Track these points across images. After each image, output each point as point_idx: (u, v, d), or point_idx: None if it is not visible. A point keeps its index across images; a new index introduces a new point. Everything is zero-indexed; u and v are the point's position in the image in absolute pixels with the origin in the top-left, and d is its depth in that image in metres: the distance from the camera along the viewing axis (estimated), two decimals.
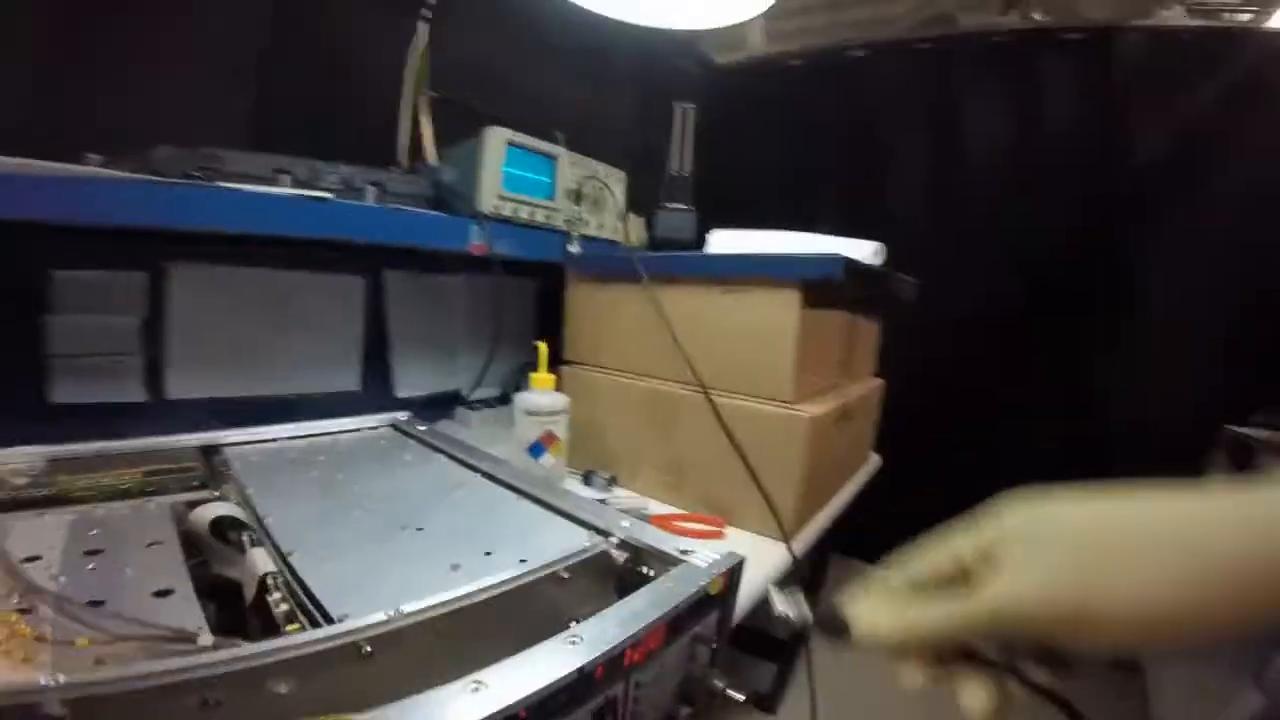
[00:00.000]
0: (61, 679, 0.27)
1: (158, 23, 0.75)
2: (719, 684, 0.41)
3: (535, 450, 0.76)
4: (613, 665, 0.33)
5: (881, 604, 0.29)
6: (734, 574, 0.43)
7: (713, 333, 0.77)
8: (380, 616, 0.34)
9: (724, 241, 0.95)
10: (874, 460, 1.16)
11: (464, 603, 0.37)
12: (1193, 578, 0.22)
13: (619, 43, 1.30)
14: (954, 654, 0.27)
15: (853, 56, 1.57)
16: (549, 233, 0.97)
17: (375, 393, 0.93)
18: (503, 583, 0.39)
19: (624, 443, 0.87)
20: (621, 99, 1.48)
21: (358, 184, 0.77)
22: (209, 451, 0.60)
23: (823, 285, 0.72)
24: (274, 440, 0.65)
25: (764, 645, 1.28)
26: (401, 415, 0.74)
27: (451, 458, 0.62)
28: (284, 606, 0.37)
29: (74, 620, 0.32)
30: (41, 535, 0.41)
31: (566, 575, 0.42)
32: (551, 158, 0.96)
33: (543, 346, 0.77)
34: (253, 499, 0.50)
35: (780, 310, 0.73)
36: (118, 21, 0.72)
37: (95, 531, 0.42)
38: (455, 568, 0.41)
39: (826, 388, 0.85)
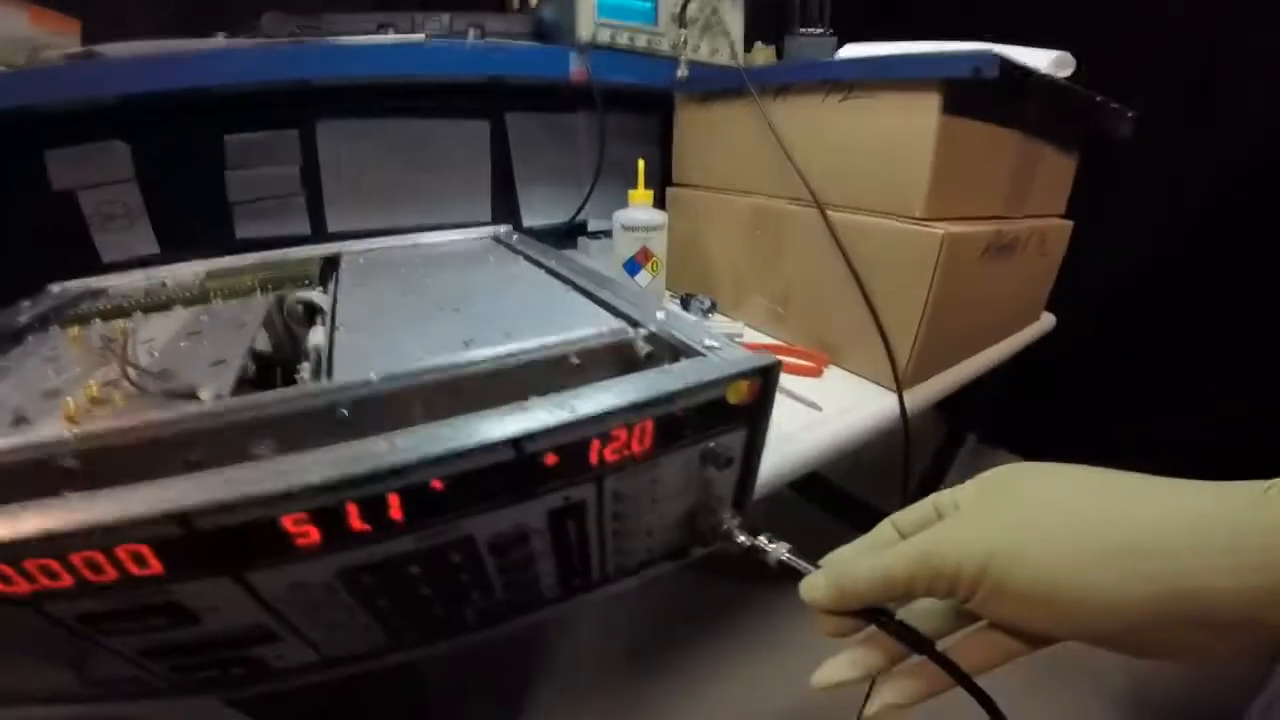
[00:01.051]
0: (75, 432, 0.27)
1: None
2: (729, 521, 0.32)
3: (631, 267, 0.70)
4: (572, 456, 0.27)
5: (857, 552, 0.27)
6: (765, 381, 0.31)
7: (832, 147, 0.60)
8: (360, 379, 0.31)
9: (857, 54, 0.72)
10: (1046, 321, 0.89)
11: (453, 373, 0.32)
12: (1088, 560, 0.20)
13: None
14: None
15: None
16: (658, 61, 0.83)
17: (504, 223, 0.92)
18: (498, 358, 0.34)
19: (728, 266, 0.76)
20: None
21: (459, 28, 0.72)
22: (333, 259, 0.62)
23: (974, 90, 0.50)
24: (384, 248, 0.65)
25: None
26: (502, 229, 0.71)
27: (528, 259, 0.57)
28: (306, 375, 0.36)
29: (138, 387, 0.33)
30: (166, 325, 0.44)
31: (577, 361, 0.35)
32: None
33: (641, 162, 0.68)
34: (339, 290, 0.50)
35: (913, 116, 0.54)
36: None
37: (205, 319, 0.45)
38: (468, 343, 0.36)
39: (979, 217, 0.63)
